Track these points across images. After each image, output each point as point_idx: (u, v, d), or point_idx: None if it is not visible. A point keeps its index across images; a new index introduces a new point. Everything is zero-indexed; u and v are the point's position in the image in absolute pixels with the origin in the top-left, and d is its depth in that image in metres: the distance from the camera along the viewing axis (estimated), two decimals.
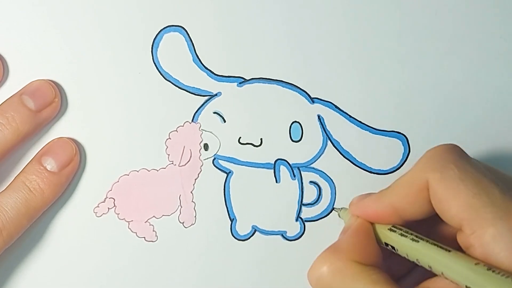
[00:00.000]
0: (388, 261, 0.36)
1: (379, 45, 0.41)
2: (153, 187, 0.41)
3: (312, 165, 0.41)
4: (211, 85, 0.41)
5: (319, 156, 0.41)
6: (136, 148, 0.41)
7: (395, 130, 0.41)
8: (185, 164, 0.41)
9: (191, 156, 0.41)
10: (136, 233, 0.41)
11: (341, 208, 0.39)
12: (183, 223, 0.41)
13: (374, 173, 0.41)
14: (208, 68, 0.41)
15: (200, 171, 0.41)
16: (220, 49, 0.41)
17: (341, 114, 0.41)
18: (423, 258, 0.33)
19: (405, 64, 0.41)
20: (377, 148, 0.41)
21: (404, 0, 0.41)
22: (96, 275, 0.41)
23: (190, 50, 0.41)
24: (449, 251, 0.32)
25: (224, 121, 0.41)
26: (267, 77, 0.41)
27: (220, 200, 0.41)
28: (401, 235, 0.34)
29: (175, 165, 0.41)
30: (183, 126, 0.41)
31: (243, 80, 0.41)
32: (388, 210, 0.34)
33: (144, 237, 0.41)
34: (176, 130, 0.41)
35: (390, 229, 0.35)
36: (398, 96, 0.41)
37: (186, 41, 0.41)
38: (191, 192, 0.41)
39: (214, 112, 0.41)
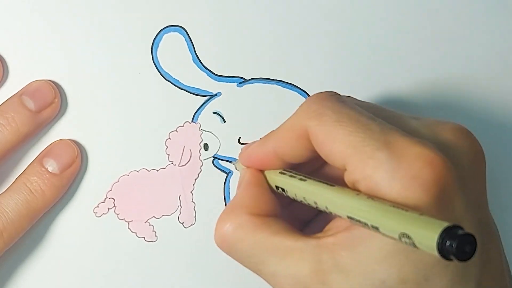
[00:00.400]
0: (291, 208, 0.36)
1: (379, 45, 0.41)
2: (153, 187, 0.41)
3: None
4: (211, 85, 0.41)
5: None
6: (136, 148, 0.41)
7: None
8: (185, 164, 0.41)
9: (191, 156, 0.41)
10: (136, 233, 0.41)
11: (237, 160, 0.39)
12: (183, 223, 0.41)
13: None
14: (208, 68, 0.41)
15: (200, 171, 0.41)
16: (220, 49, 0.41)
17: None
18: (309, 195, 0.33)
19: (405, 64, 0.41)
20: None
21: (404, 0, 0.41)
22: (96, 275, 0.41)
23: (190, 50, 0.41)
24: (333, 185, 0.32)
25: (224, 121, 0.41)
26: (267, 77, 0.41)
27: (220, 200, 0.41)
28: (290, 176, 0.34)
29: (175, 165, 0.41)
30: (183, 126, 0.41)
31: (243, 80, 0.41)
32: (272, 156, 0.35)
33: (144, 237, 0.41)
34: (176, 130, 0.41)
35: (281, 172, 0.35)
36: (398, 96, 0.41)
37: (186, 41, 0.41)
38: (191, 192, 0.41)
39: (214, 112, 0.41)
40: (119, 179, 0.41)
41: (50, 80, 0.40)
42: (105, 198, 0.41)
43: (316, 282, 0.31)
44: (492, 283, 0.32)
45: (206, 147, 0.41)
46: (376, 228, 0.28)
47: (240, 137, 0.41)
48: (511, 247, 0.39)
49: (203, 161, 0.41)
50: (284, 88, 0.41)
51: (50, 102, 0.39)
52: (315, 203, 0.32)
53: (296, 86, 0.41)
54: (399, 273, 0.29)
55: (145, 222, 0.41)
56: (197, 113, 0.41)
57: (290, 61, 0.41)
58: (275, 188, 0.35)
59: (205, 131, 0.41)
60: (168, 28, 0.40)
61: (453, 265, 0.30)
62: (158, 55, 0.40)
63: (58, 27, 0.40)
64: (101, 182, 0.41)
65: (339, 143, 0.31)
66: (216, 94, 0.41)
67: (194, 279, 0.41)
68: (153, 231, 0.41)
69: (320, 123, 0.32)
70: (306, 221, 0.37)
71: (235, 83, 0.41)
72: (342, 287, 0.31)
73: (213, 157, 0.41)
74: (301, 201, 0.34)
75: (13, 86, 0.40)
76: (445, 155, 0.30)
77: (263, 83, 0.41)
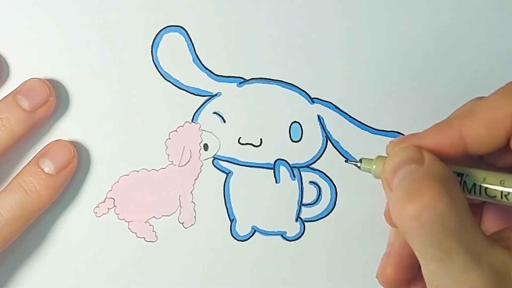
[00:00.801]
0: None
1: (379, 45, 0.41)
2: (153, 187, 0.41)
3: (312, 165, 0.41)
4: (211, 85, 0.41)
5: (319, 156, 0.41)
6: (136, 148, 0.41)
7: (395, 130, 0.41)
8: (185, 164, 0.41)
9: (191, 156, 0.41)
10: (136, 233, 0.41)
11: (360, 160, 0.35)
12: (183, 223, 0.41)
13: None
14: (208, 68, 0.41)
15: (200, 171, 0.41)
16: (220, 49, 0.41)
17: (341, 114, 0.41)
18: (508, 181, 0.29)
19: (405, 64, 0.41)
20: (377, 148, 0.41)
21: (404, 0, 0.41)
22: (96, 275, 0.41)
23: (190, 50, 0.41)
24: None
25: (224, 121, 0.41)
26: (267, 77, 0.41)
27: (219, 201, 0.41)
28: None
29: (175, 165, 0.41)
30: (183, 126, 0.41)
31: (243, 80, 0.41)
32: (455, 139, 0.31)
33: (144, 237, 0.41)
34: (176, 130, 0.41)
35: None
36: (398, 96, 0.41)
37: (186, 41, 0.41)
38: (191, 193, 0.41)
39: (214, 112, 0.41)
40: (119, 179, 0.41)
41: (45, 79, 0.40)
42: (105, 198, 0.41)
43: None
44: None
45: (206, 147, 0.41)
46: None
47: (240, 137, 0.41)
48: None
49: (203, 161, 0.41)
50: (284, 88, 0.41)
51: (44, 101, 0.39)
52: None
53: (296, 86, 0.41)
54: None
55: (145, 222, 0.41)
56: (197, 113, 0.41)
57: (290, 61, 0.41)
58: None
59: (205, 131, 0.41)
60: (168, 28, 0.40)
61: None
62: (158, 55, 0.40)
63: (58, 27, 0.40)
64: (101, 182, 0.41)
65: None
66: (216, 94, 0.41)
67: (194, 279, 0.41)
68: (153, 231, 0.41)
69: None
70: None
71: (235, 83, 0.41)
72: None
73: (213, 157, 0.41)
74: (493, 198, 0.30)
75: (12, 85, 0.40)
76: None
77: (263, 83, 0.41)
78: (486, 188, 0.30)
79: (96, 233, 0.41)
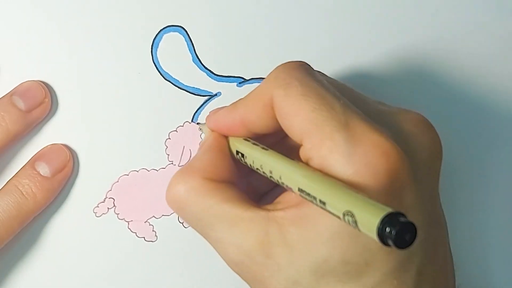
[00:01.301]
0: (249, 179, 0.36)
1: (379, 44, 0.41)
2: (153, 187, 0.41)
3: None
4: (211, 85, 0.41)
5: None
6: (136, 148, 0.41)
7: None
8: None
9: (191, 156, 0.41)
10: (135, 233, 0.41)
11: (204, 123, 0.39)
12: (182, 223, 0.41)
13: None
14: (208, 68, 0.41)
15: None
16: (220, 49, 0.41)
17: None
18: (266, 164, 0.33)
19: (405, 64, 0.41)
20: None
21: (404, 0, 0.41)
22: (96, 275, 0.41)
23: (190, 50, 0.41)
24: (292, 159, 0.32)
25: None
26: None
27: None
28: (253, 144, 0.34)
29: (175, 165, 0.41)
30: (183, 126, 0.41)
31: (243, 80, 0.41)
32: (238, 123, 0.34)
33: (144, 237, 0.41)
34: (176, 130, 0.41)
35: (245, 139, 0.35)
36: (398, 96, 0.41)
37: (186, 41, 0.41)
38: None
39: None
40: (119, 179, 0.41)
41: (45, 79, 0.40)
42: (105, 198, 0.41)
43: (260, 253, 0.31)
44: (434, 275, 0.32)
45: None
46: (323, 204, 0.29)
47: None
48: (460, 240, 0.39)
49: None
50: None
51: (40, 101, 0.39)
52: (270, 172, 0.32)
53: None
54: (342, 254, 0.30)
55: (145, 222, 0.41)
56: (197, 113, 0.41)
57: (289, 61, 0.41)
58: (235, 154, 0.35)
59: None
60: (168, 28, 0.40)
61: (396, 253, 0.30)
62: (158, 55, 0.40)
63: (58, 27, 0.40)
64: (101, 182, 0.41)
65: (301, 118, 0.31)
66: (216, 94, 0.41)
67: (194, 279, 0.41)
68: (153, 231, 0.41)
69: (286, 93, 0.32)
70: (262, 193, 0.37)
71: (235, 83, 0.41)
72: (285, 261, 0.31)
73: None
74: (257, 169, 0.33)
75: (10, 86, 0.40)
76: (403, 145, 0.31)
77: None
78: (257, 169, 0.34)
79: (96, 233, 0.41)
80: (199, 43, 0.41)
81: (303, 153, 0.31)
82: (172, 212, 0.41)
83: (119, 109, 0.40)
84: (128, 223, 0.41)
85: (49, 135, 0.40)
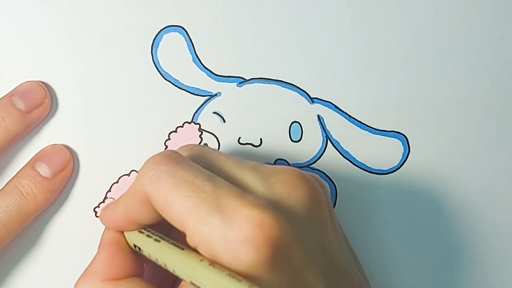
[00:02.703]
0: (156, 267, 0.36)
1: (379, 45, 0.41)
2: None
3: (312, 165, 0.41)
4: (211, 85, 0.41)
5: (319, 156, 0.41)
6: (136, 149, 0.41)
7: (395, 130, 0.41)
8: None
9: None
10: None
11: None
12: None
13: (374, 173, 0.41)
14: (208, 68, 0.41)
15: None
16: (220, 49, 0.41)
17: (341, 114, 0.41)
18: (160, 257, 0.33)
19: (405, 64, 0.41)
20: (377, 148, 0.41)
21: (404, 0, 0.41)
22: None
23: (190, 50, 0.41)
24: (183, 249, 0.32)
25: (224, 121, 0.41)
26: (267, 77, 0.41)
27: None
28: (147, 236, 0.34)
29: None
30: (182, 126, 0.41)
31: (242, 80, 0.41)
32: (123, 220, 0.35)
33: None
34: (175, 131, 0.41)
35: (140, 231, 0.35)
36: (398, 96, 0.41)
37: (186, 41, 0.41)
38: None
39: (214, 112, 0.41)
40: (118, 179, 0.41)
41: (45, 79, 0.40)
42: (105, 198, 0.40)
43: None
44: None
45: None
46: None
47: (240, 137, 0.41)
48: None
49: None
50: (284, 88, 0.41)
51: (40, 102, 0.39)
52: (165, 265, 0.33)
53: (296, 86, 0.41)
54: None
55: None
56: (197, 113, 0.41)
57: (290, 61, 0.41)
58: (133, 247, 0.35)
59: (205, 131, 0.41)
60: (168, 28, 0.40)
61: None
62: (158, 55, 0.40)
63: (58, 27, 0.40)
64: (100, 182, 0.41)
65: (177, 209, 0.31)
66: (216, 94, 0.41)
67: None
68: None
69: (157, 188, 0.32)
70: (174, 280, 0.37)
71: (235, 83, 0.41)
72: None
73: None
74: (155, 261, 0.34)
75: (10, 86, 0.40)
76: (278, 208, 0.31)
77: (263, 83, 0.41)
78: (154, 261, 0.34)
79: (96, 233, 0.40)
80: (199, 43, 0.41)
81: (189, 241, 0.32)
82: None
83: (119, 109, 0.40)
84: None
85: (49, 136, 0.40)
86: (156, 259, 0.33)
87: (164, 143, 0.41)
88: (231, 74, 0.41)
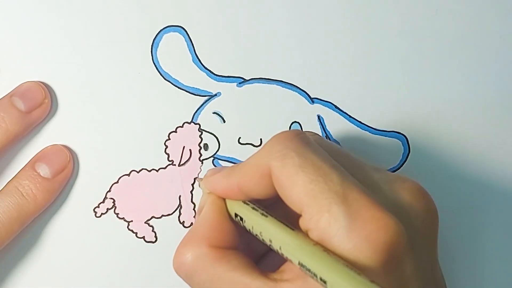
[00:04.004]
0: (247, 239, 0.36)
1: (379, 45, 0.41)
2: (153, 187, 0.41)
3: None
4: (211, 85, 0.41)
5: None
6: (136, 149, 0.41)
7: (395, 130, 0.41)
8: (185, 164, 0.41)
9: (190, 156, 0.41)
10: (136, 233, 0.41)
11: (202, 178, 0.38)
12: (183, 223, 0.41)
13: None
14: (208, 68, 0.41)
15: (200, 171, 0.41)
16: (220, 49, 0.41)
17: (341, 114, 0.41)
18: (266, 232, 0.33)
19: (405, 64, 0.41)
20: (377, 148, 0.41)
21: (404, 0, 0.41)
22: (95, 275, 0.41)
23: (189, 50, 0.41)
24: (293, 229, 0.32)
25: (224, 121, 0.41)
26: (267, 77, 0.41)
27: None
28: (253, 209, 0.34)
29: (174, 165, 0.41)
30: (182, 126, 0.41)
31: (242, 80, 0.41)
32: (235, 189, 0.34)
33: (144, 237, 0.41)
34: (175, 131, 0.41)
35: (244, 202, 0.35)
36: (398, 96, 0.41)
37: (186, 41, 0.41)
38: (191, 192, 0.41)
39: (214, 112, 0.41)
40: (118, 179, 0.41)
41: (46, 79, 0.40)
42: (105, 198, 0.40)
43: None
44: None
45: (206, 147, 0.41)
46: (324, 282, 0.29)
47: (240, 137, 0.41)
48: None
49: (203, 161, 0.41)
50: (284, 88, 0.41)
51: (40, 102, 0.39)
52: (270, 241, 0.32)
53: (296, 86, 0.41)
54: None
55: (145, 222, 0.41)
56: (196, 113, 0.41)
57: (290, 61, 0.41)
58: (233, 216, 0.35)
59: (205, 131, 0.41)
60: (168, 28, 0.40)
61: None
62: (158, 55, 0.40)
63: (58, 27, 0.40)
64: (100, 182, 0.41)
65: (299, 190, 0.31)
66: (216, 94, 0.41)
67: None
68: (153, 231, 0.41)
69: (283, 165, 0.32)
70: (261, 253, 0.37)
71: (235, 83, 0.41)
72: None
73: (213, 157, 0.41)
74: (256, 235, 0.33)
75: (10, 87, 0.40)
76: (400, 215, 0.31)
77: (263, 83, 0.41)
78: (256, 235, 0.34)
79: (95, 233, 0.40)
80: (199, 43, 0.41)
81: (302, 223, 0.31)
82: (172, 212, 0.41)
83: (119, 109, 0.40)
84: (128, 223, 0.41)
85: (49, 136, 0.40)
86: (260, 233, 0.33)
87: (164, 143, 0.41)
88: (231, 74, 0.41)
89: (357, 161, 0.35)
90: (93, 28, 0.40)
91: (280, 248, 0.32)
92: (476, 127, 0.42)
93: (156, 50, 0.40)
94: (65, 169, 0.40)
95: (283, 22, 0.41)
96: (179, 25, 0.40)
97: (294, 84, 0.41)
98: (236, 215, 0.35)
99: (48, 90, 0.40)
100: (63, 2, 0.40)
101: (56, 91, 0.40)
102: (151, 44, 0.40)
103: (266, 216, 0.33)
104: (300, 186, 0.31)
